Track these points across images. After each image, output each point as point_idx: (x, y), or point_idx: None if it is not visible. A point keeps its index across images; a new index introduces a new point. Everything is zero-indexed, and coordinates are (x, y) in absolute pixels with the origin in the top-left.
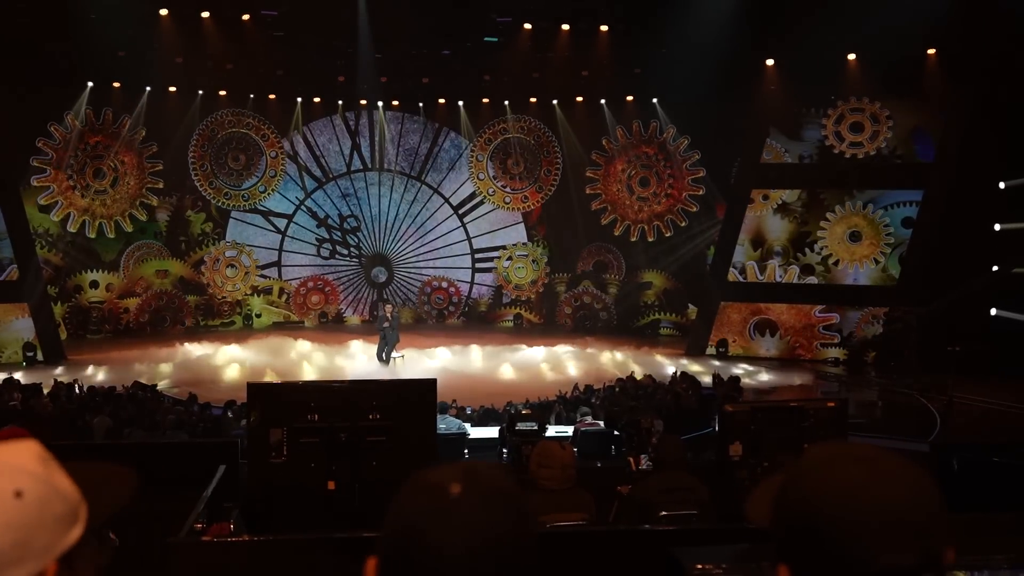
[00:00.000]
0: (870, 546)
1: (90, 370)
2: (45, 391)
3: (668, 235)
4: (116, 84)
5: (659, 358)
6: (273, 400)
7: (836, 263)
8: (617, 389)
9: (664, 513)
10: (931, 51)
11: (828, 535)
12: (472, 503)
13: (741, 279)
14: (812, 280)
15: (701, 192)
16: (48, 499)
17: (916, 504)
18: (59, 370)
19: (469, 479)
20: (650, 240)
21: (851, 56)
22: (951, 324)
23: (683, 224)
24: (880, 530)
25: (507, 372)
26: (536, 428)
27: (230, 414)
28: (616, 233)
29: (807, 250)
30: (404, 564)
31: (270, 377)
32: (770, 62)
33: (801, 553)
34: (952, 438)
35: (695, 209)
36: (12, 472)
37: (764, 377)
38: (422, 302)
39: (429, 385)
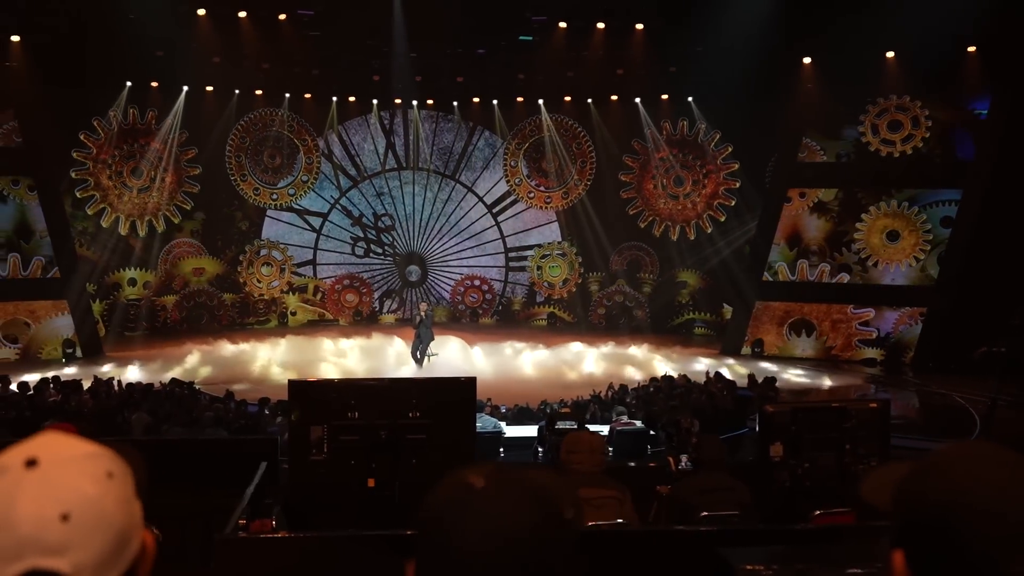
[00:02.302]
0: (1005, 550)
1: (128, 367)
2: (85, 387)
3: (702, 234)
4: (154, 84)
5: (694, 358)
6: (314, 398)
7: (869, 259)
8: (652, 389)
9: (705, 513)
10: (971, 49)
11: (960, 532)
12: (495, 497)
13: (779, 278)
14: (849, 280)
15: (735, 196)
16: (126, 473)
17: None
18: (98, 367)
19: (495, 474)
20: (681, 239)
21: (890, 54)
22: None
23: (716, 225)
24: (1017, 536)
25: (540, 371)
26: (575, 427)
27: (267, 411)
28: (647, 229)
29: (844, 249)
30: (432, 559)
31: (300, 375)
32: (807, 60)
33: (925, 544)
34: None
35: (726, 214)
36: (93, 458)
37: (799, 377)
38: (456, 300)
39: (468, 384)
